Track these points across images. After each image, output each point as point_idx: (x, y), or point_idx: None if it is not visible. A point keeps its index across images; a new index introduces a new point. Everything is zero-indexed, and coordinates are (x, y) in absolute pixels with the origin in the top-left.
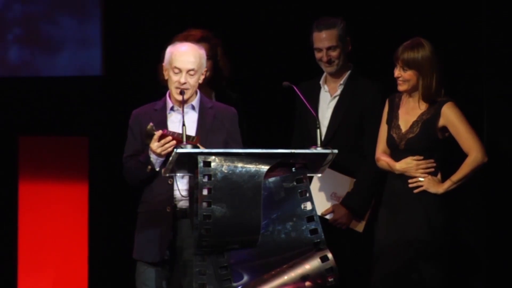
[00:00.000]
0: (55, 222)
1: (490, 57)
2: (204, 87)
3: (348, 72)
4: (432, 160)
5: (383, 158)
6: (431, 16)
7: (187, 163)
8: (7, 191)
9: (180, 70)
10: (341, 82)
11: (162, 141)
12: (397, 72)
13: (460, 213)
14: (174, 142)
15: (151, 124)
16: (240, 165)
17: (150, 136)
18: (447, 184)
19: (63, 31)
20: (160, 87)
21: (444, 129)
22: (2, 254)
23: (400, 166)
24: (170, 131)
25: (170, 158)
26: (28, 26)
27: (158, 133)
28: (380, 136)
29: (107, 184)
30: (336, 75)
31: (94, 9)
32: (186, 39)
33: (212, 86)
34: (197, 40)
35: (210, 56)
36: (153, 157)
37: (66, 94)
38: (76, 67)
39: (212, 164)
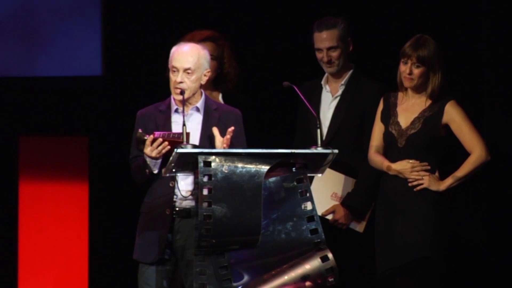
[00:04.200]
0: (55, 222)
1: (490, 57)
2: (209, 88)
3: (350, 72)
4: (427, 163)
5: (378, 158)
6: (432, 16)
7: (188, 163)
8: (7, 191)
9: (178, 69)
10: (342, 82)
11: (155, 144)
12: (408, 69)
13: (460, 213)
14: (166, 143)
15: (139, 130)
16: (240, 165)
17: (142, 142)
18: (448, 182)
19: (63, 31)
20: (160, 87)
21: (446, 126)
22: (2, 254)
23: (395, 167)
24: (161, 133)
25: (171, 158)
26: (28, 25)
27: (149, 138)
28: (373, 135)
29: (107, 184)
30: (337, 75)
31: (94, 9)
32: (192, 37)
33: (217, 87)
34: (203, 39)
35: (215, 56)
36: (149, 161)
37: (66, 94)
38: (76, 67)
39: (213, 164)
